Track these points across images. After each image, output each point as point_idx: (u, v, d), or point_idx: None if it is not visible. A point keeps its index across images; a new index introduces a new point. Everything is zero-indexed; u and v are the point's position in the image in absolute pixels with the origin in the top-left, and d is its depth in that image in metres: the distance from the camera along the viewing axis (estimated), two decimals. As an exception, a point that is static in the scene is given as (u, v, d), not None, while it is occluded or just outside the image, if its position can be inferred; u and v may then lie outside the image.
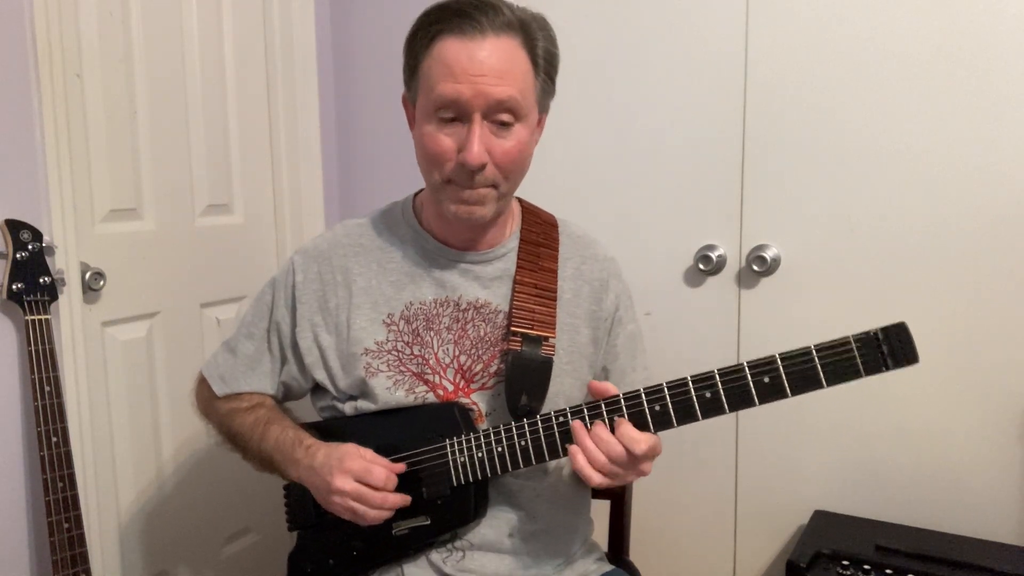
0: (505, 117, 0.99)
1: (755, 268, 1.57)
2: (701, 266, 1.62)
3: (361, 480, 0.99)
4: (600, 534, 1.29)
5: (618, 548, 1.37)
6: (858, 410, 1.53)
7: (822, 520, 1.53)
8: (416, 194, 1.18)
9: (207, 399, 1.21)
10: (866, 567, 1.33)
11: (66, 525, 1.30)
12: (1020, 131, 1.37)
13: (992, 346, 1.43)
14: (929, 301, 1.46)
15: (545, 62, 1.03)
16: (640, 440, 0.93)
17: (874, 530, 1.47)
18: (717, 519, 1.70)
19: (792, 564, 1.35)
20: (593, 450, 0.93)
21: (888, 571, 1.31)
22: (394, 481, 1.01)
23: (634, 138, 1.69)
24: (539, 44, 1.02)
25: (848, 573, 1.32)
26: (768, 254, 1.56)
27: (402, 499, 1.01)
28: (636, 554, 1.38)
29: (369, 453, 1.02)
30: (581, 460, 0.94)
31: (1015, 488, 1.43)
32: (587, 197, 1.74)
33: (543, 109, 1.08)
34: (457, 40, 0.97)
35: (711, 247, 1.62)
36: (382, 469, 1.00)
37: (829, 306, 1.54)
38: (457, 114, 0.98)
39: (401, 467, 1.02)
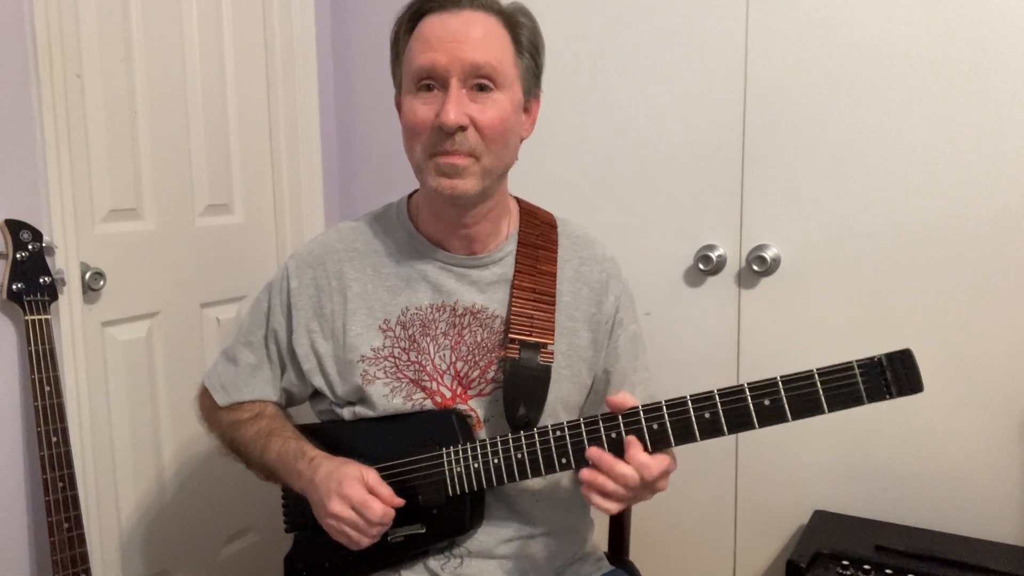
0: (483, 83, 0.98)
1: (755, 268, 1.57)
2: (701, 266, 1.62)
3: (358, 511, 0.97)
4: (600, 534, 1.29)
5: (618, 548, 1.37)
6: (858, 411, 1.52)
7: (822, 520, 1.53)
8: (410, 196, 1.17)
9: (210, 410, 1.20)
10: (866, 567, 1.33)
11: (66, 525, 1.30)
12: (1020, 131, 1.37)
13: (992, 346, 1.42)
14: (929, 301, 1.46)
15: (529, 43, 1.04)
16: (650, 466, 0.91)
17: (874, 530, 1.47)
18: (717, 519, 1.70)
19: (792, 564, 1.35)
20: (611, 486, 0.91)
21: (888, 571, 1.31)
22: (391, 516, 0.99)
23: (634, 138, 1.69)
24: (521, 26, 1.03)
25: (848, 573, 1.32)
26: (768, 254, 1.56)
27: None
28: (636, 554, 1.38)
29: (372, 476, 0.99)
30: (597, 498, 0.92)
31: (1015, 488, 1.43)
32: (587, 197, 1.74)
33: (529, 92, 1.06)
34: (436, 16, 1.00)
35: (711, 247, 1.62)
36: (380, 506, 0.97)
37: (829, 306, 1.54)
38: (435, 82, 0.99)
39: (400, 502, 1.00)
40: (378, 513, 0.97)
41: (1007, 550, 1.39)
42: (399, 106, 1.09)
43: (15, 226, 1.31)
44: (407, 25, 1.03)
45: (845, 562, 1.34)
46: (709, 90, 1.61)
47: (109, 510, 1.58)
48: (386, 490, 0.99)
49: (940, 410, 1.47)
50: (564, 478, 1.15)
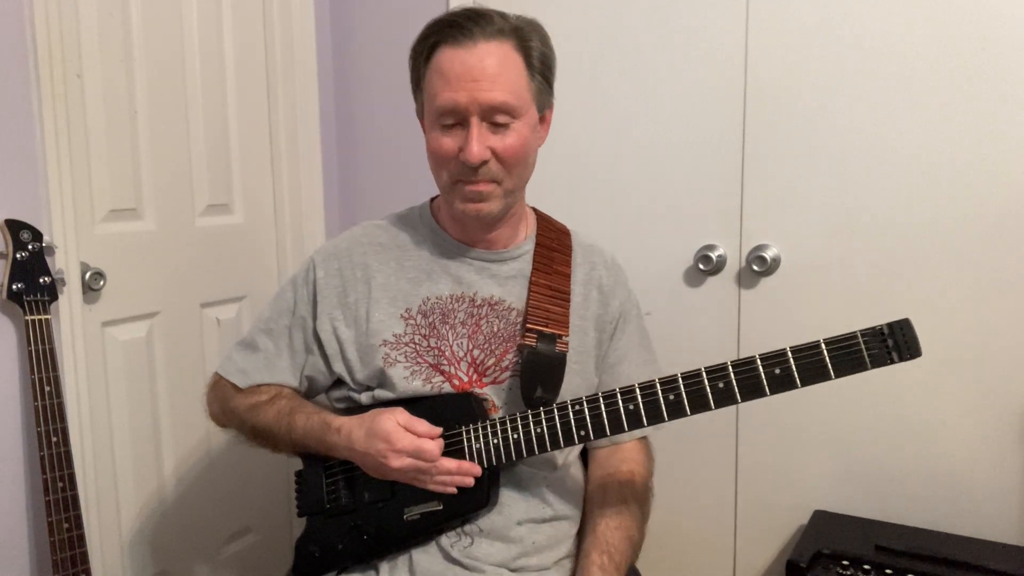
0: (501, 119, 1.04)
1: (755, 268, 1.57)
2: (701, 266, 1.62)
3: (416, 457, 1.01)
4: (600, 534, 1.29)
5: (618, 548, 1.36)
6: (858, 410, 1.53)
7: (822, 520, 1.53)
8: (433, 199, 1.23)
9: (223, 400, 1.21)
10: (866, 567, 1.33)
11: (66, 525, 1.30)
12: (1020, 131, 1.37)
13: (992, 346, 1.42)
14: (929, 301, 1.46)
15: (540, 63, 1.08)
16: None
17: (874, 530, 1.47)
18: (717, 519, 1.70)
19: (792, 564, 1.35)
20: None
21: (888, 571, 1.31)
22: (442, 444, 1.03)
23: (634, 138, 1.69)
24: (533, 47, 1.07)
25: (848, 573, 1.32)
26: (768, 254, 1.56)
27: (458, 464, 1.03)
28: (636, 554, 1.38)
29: (403, 417, 1.03)
30: None
31: (1015, 488, 1.43)
32: (588, 197, 1.74)
33: (543, 107, 1.12)
34: (451, 49, 1.04)
35: (711, 247, 1.62)
36: (431, 444, 1.02)
37: (829, 306, 1.54)
38: (457, 120, 1.04)
39: (438, 430, 1.04)
40: (436, 452, 1.02)
41: (1007, 550, 1.39)
42: (421, 120, 1.15)
43: (15, 226, 1.31)
44: (424, 55, 1.07)
45: (845, 562, 1.35)
46: (709, 90, 1.60)
47: (109, 510, 1.58)
48: (423, 426, 1.03)
49: (940, 410, 1.47)
50: (573, 467, 1.20)
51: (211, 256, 1.78)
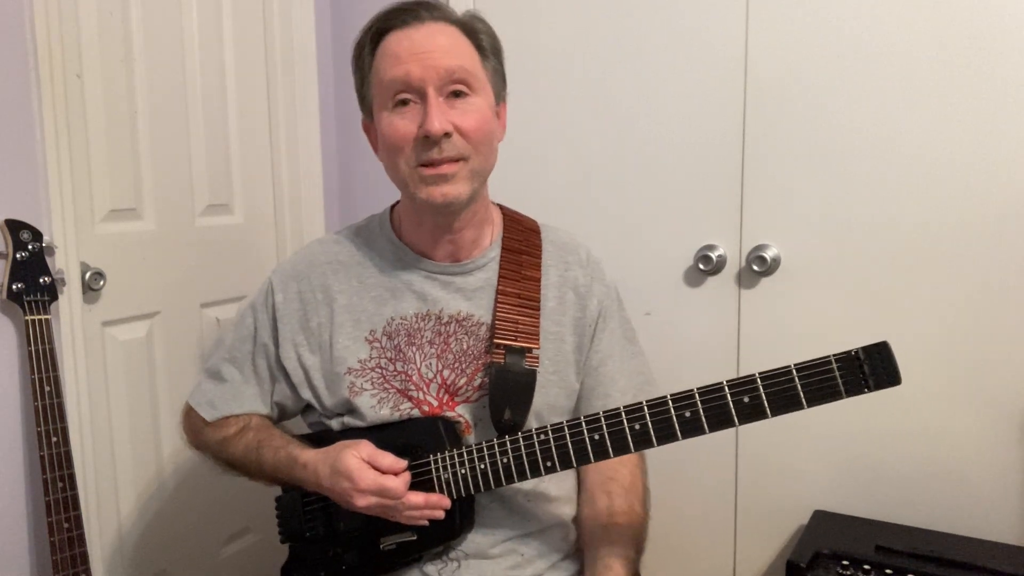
0: (459, 89, 1.00)
1: (755, 268, 1.57)
2: (701, 266, 1.62)
3: (381, 495, 0.97)
4: (600, 534, 1.29)
5: (618, 548, 1.36)
6: (858, 410, 1.53)
7: (822, 520, 1.53)
8: (392, 207, 1.18)
9: (195, 431, 1.20)
10: (866, 567, 1.33)
11: (66, 525, 1.30)
12: (1020, 132, 1.37)
13: (992, 345, 1.42)
14: (929, 300, 1.46)
15: (491, 47, 1.05)
16: None
17: (874, 530, 1.47)
18: (717, 519, 1.69)
19: (792, 564, 1.35)
20: None
21: (888, 571, 1.31)
22: (408, 479, 0.99)
23: (634, 138, 1.69)
24: (481, 32, 1.04)
25: (848, 573, 1.32)
26: (768, 254, 1.56)
27: (426, 498, 0.99)
28: (636, 554, 1.38)
29: (366, 451, 0.98)
30: None
31: (1015, 488, 1.43)
32: (587, 197, 1.74)
33: (499, 96, 1.08)
34: (399, 31, 1.00)
35: (711, 247, 1.62)
36: (394, 481, 0.97)
37: (829, 306, 1.54)
38: (412, 95, 0.99)
39: (403, 464, 0.99)
40: (400, 488, 0.97)
41: (1007, 550, 1.39)
42: (368, 129, 1.10)
43: (15, 226, 1.31)
44: (370, 46, 1.03)
45: (845, 562, 1.34)
46: (709, 90, 1.60)
47: (109, 510, 1.58)
48: (388, 459, 0.98)
49: (940, 410, 1.47)
50: (554, 476, 1.15)
51: (211, 256, 1.78)
